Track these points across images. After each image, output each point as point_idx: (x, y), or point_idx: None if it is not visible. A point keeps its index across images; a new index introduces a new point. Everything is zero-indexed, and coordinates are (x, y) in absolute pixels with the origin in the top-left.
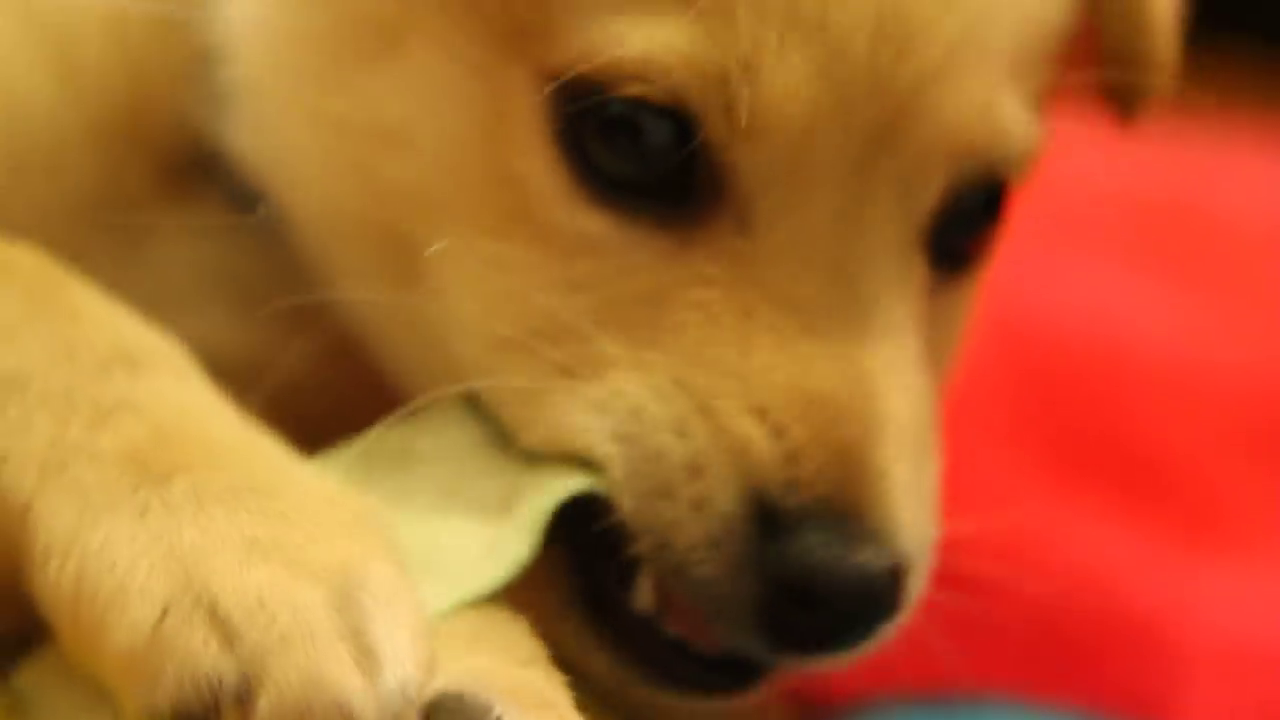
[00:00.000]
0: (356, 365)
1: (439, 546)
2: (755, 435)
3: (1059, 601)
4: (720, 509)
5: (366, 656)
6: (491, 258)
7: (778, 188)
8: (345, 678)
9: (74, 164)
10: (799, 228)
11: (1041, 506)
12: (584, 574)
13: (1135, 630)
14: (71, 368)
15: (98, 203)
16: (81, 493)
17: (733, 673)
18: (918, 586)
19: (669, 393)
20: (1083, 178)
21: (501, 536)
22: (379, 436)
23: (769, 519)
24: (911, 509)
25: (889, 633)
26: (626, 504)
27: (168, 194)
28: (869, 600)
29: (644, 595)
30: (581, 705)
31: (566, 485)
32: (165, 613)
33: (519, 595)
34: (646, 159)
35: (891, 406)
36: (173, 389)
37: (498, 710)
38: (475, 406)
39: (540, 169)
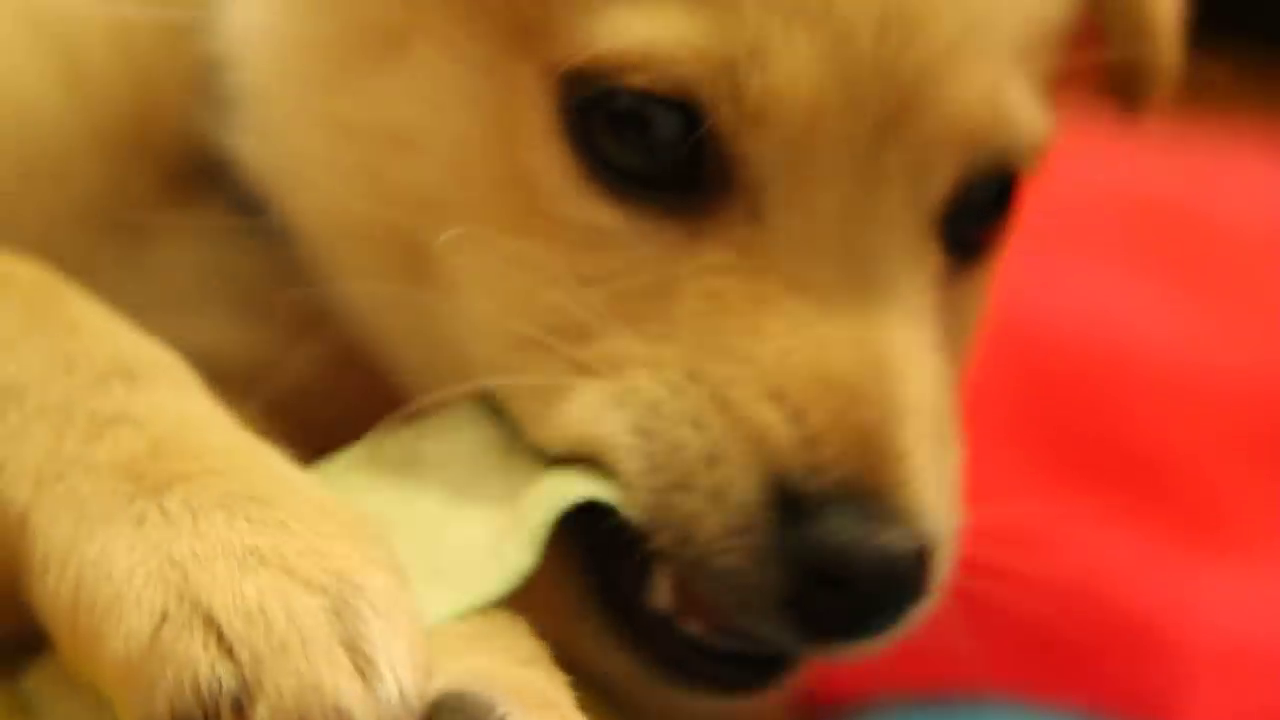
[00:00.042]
0: (362, 370)
1: (441, 554)
2: (773, 421)
3: (1060, 603)
4: (740, 497)
5: (364, 663)
6: (502, 255)
7: (787, 175)
8: (343, 684)
9: (80, 170)
10: (810, 214)
11: (1042, 508)
12: (600, 574)
13: (1136, 631)
14: (69, 380)
15: (103, 208)
16: (78, 503)
17: (752, 669)
18: (943, 572)
19: (684, 386)
20: (1084, 180)
21: (505, 545)
22: (386, 439)
23: (791, 505)
24: (935, 492)
25: (916, 619)
26: (644, 499)
27: (172, 199)
28: (895, 582)
29: (661, 594)
30: (583, 705)
31: (570, 493)
32: (163, 620)
33: (535, 597)
34: (655, 150)
35: (911, 390)
36: (171, 401)
37: (501, 709)
38: (483, 409)
39: (549, 163)
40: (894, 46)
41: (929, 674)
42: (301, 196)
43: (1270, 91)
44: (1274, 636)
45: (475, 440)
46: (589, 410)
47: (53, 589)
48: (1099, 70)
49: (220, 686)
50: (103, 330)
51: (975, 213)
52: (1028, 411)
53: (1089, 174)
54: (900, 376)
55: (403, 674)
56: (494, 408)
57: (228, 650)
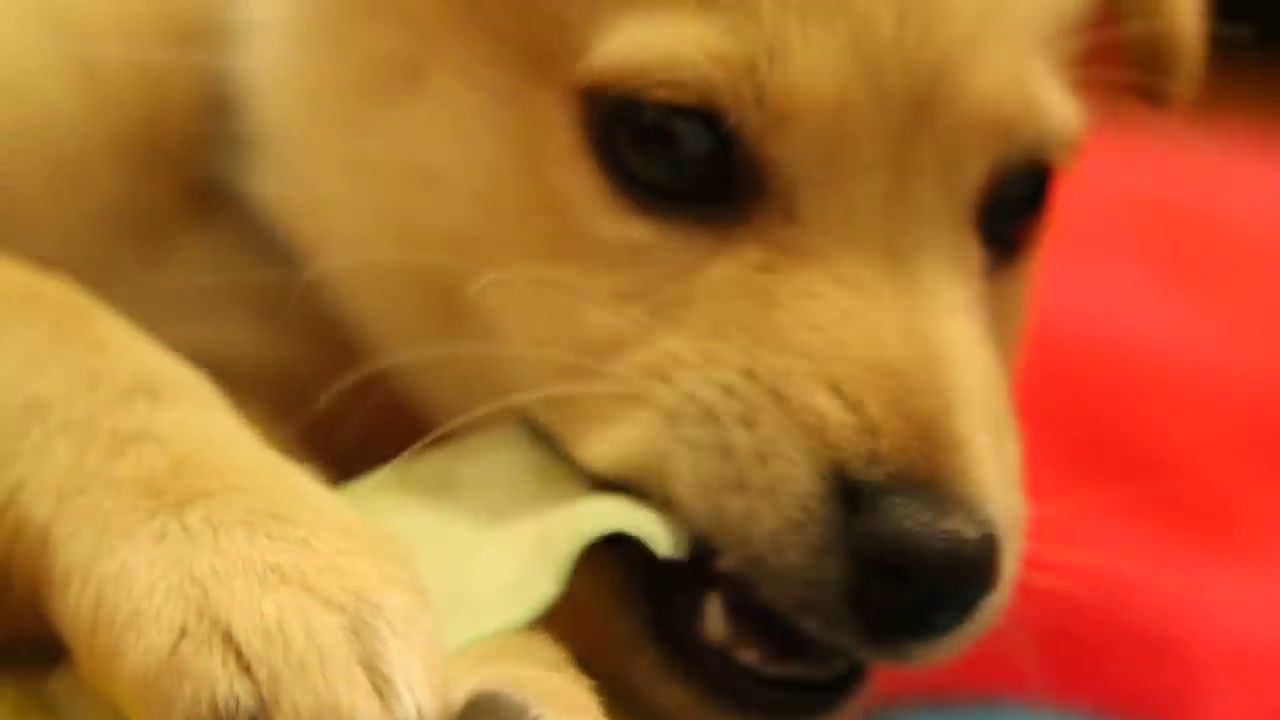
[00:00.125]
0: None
1: (466, 579)
2: (830, 410)
3: (1068, 604)
4: (796, 490)
5: (381, 683)
6: (538, 283)
7: (819, 173)
8: (360, 704)
9: (99, 176)
10: (846, 210)
11: (1049, 508)
12: (653, 604)
13: (1144, 632)
14: (93, 397)
15: (121, 214)
16: (99, 518)
17: (809, 695)
18: (1011, 565)
19: (738, 385)
20: (1091, 182)
21: (530, 574)
22: (421, 460)
23: (851, 496)
24: (996, 481)
25: (985, 618)
26: (699, 509)
27: (187, 207)
28: (960, 571)
29: (714, 624)
30: (608, 710)
31: (599, 525)
32: (182, 637)
33: (586, 631)
34: (683, 163)
35: (966, 379)
36: (195, 419)
37: (534, 711)
38: (522, 432)
39: (578, 184)
40: (915, 36)
41: (938, 675)
42: (325, 245)
43: (1277, 94)
44: None
45: (512, 463)
46: (642, 431)
47: (73, 604)
48: (1114, 73)
49: (238, 705)
50: (128, 348)
51: (1010, 208)
52: (1034, 412)
53: (1096, 175)
54: (953, 366)
55: (420, 694)
56: (533, 431)
57: (246, 668)
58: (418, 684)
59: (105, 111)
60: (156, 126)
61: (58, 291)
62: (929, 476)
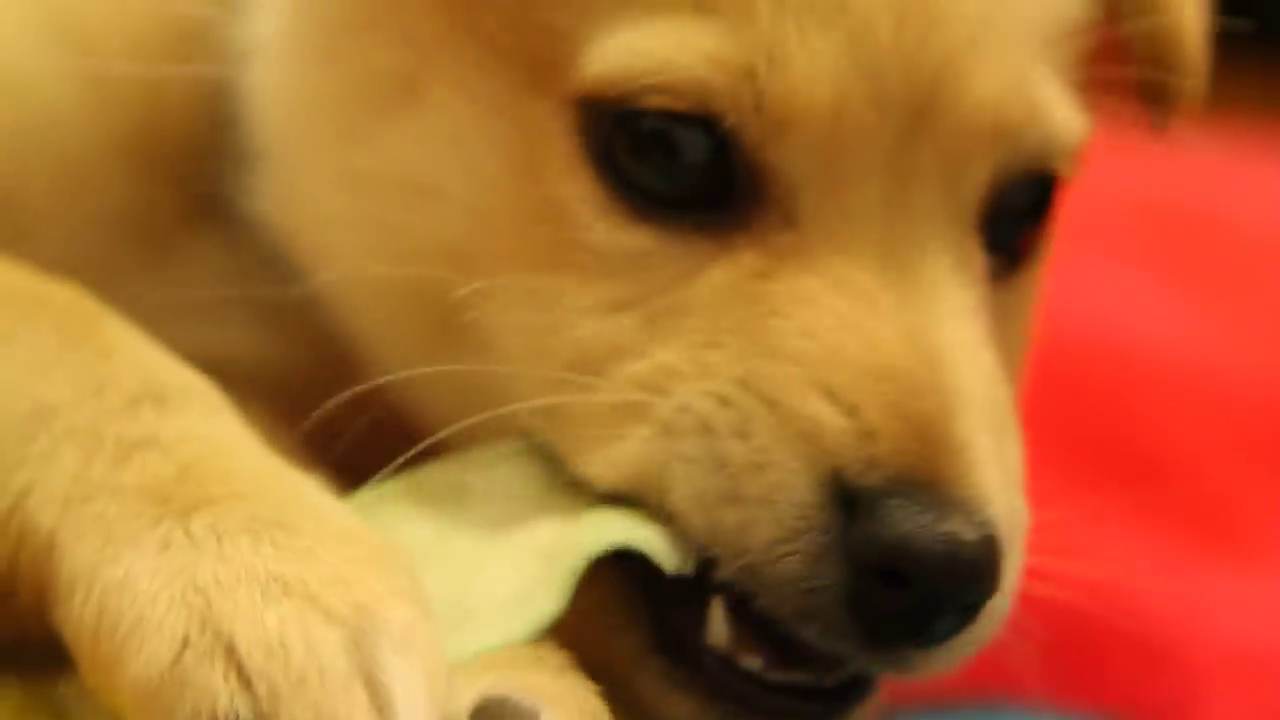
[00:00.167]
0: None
1: (470, 592)
2: (826, 416)
3: (1069, 609)
4: (793, 499)
5: (381, 699)
6: (534, 295)
7: (818, 178)
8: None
9: (103, 178)
10: (846, 215)
11: (1051, 511)
12: (656, 614)
13: (1145, 637)
14: (99, 403)
15: (126, 215)
16: (104, 526)
17: (817, 701)
18: (1015, 572)
19: (734, 395)
20: (1093, 182)
21: (534, 588)
22: (431, 470)
23: (848, 502)
24: (997, 484)
25: (990, 625)
26: (697, 522)
27: (191, 213)
28: (960, 574)
29: (718, 631)
30: (615, 716)
31: (604, 540)
32: (184, 648)
33: (590, 642)
34: (681, 170)
35: (966, 382)
36: (201, 426)
37: (545, 715)
38: (530, 446)
39: (576, 193)
40: (914, 39)
41: (940, 680)
42: (323, 260)
43: (1279, 93)
44: None
45: (520, 475)
46: (640, 447)
47: (76, 612)
48: (1117, 72)
49: (238, 717)
50: (136, 354)
51: (1014, 217)
52: (1037, 414)
53: (1097, 175)
54: (954, 369)
55: (420, 710)
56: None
57: (247, 682)
58: (417, 701)
59: (108, 112)
60: (158, 131)
61: (65, 296)
62: (928, 479)
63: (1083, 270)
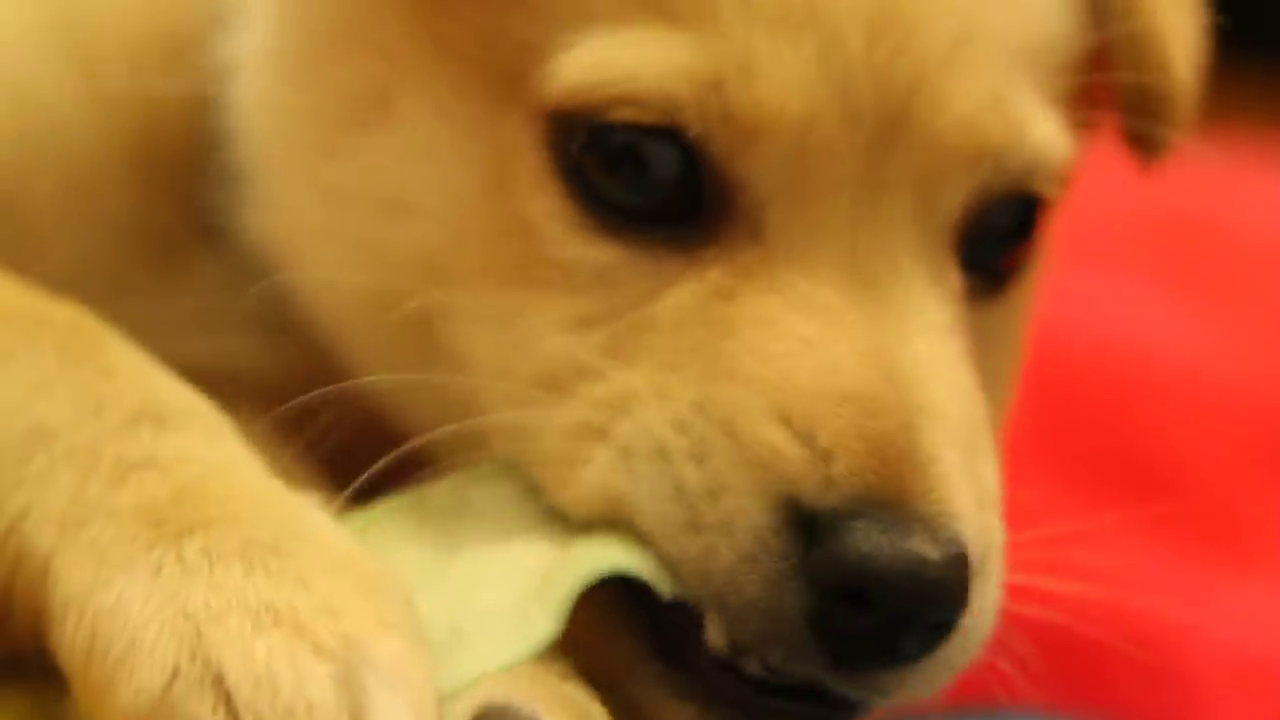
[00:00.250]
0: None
1: (469, 613)
2: (781, 442)
3: (1074, 615)
4: (748, 525)
5: None
6: (503, 310)
7: (786, 191)
8: None
9: (109, 188)
10: (812, 230)
11: (1056, 520)
12: (655, 622)
13: (1152, 646)
14: (98, 423)
15: (132, 226)
16: (99, 550)
17: (821, 704)
18: (993, 592)
19: (690, 419)
20: (1098, 193)
21: (531, 611)
22: (435, 485)
23: (807, 525)
24: (966, 500)
25: (968, 646)
26: (663, 548)
27: (195, 225)
28: (925, 593)
29: (715, 634)
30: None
31: (600, 564)
32: (174, 678)
33: (589, 648)
34: (652, 185)
35: (934, 398)
36: (200, 447)
37: None
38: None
39: (544, 207)
40: (887, 52)
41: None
42: (304, 272)
43: None
44: None
45: (521, 491)
46: (602, 472)
47: (69, 636)
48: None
49: None
50: (136, 374)
51: (998, 236)
52: (1042, 423)
53: (1104, 187)
54: (920, 384)
55: None
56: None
57: (234, 715)
58: None
59: (110, 119)
60: (157, 139)
61: (67, 315)
62: (891, 498)
63: (1084, 279)
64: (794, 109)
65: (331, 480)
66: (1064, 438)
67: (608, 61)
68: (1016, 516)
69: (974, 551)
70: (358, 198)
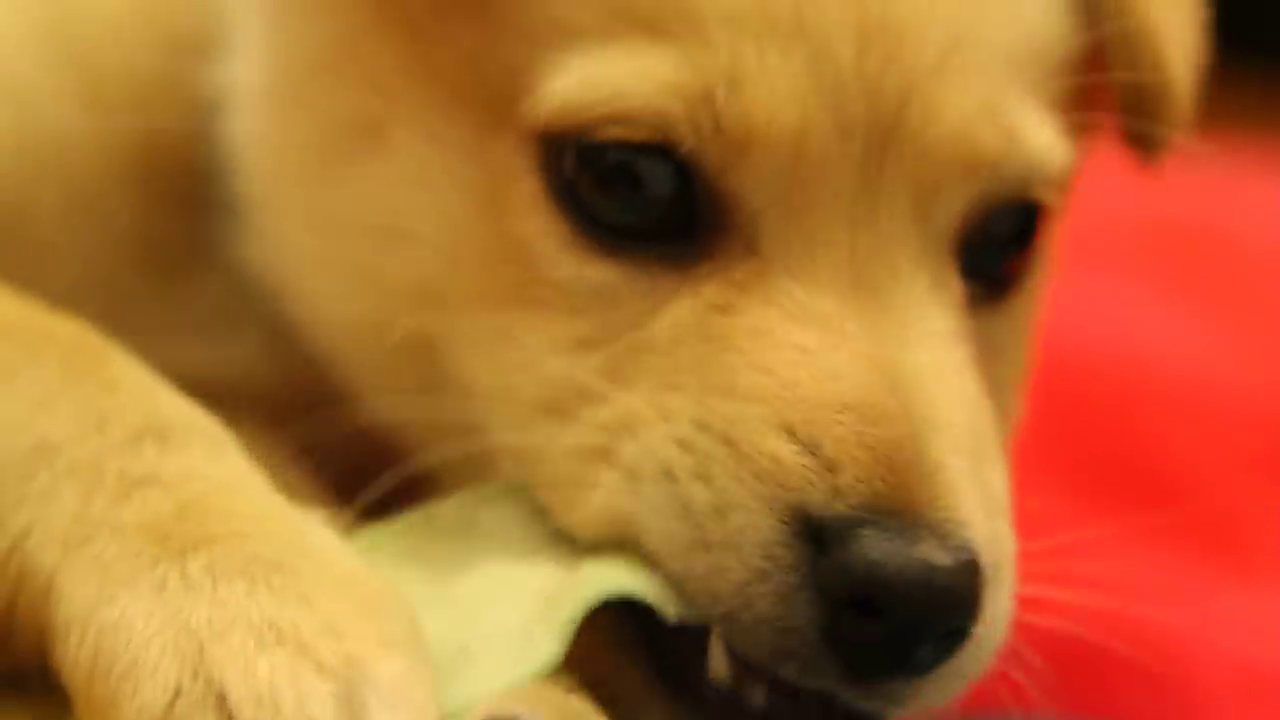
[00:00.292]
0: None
1: (474, 633)
2: (785, 453)
3: (1077, 623)
4: (757, 539)
5: None
6: (503, 333)
7: (780, 203)
8: None
9: (111, 199)
10: (809, 242)
11: (1058, 527)
12: (659, 652)
13: (1154, 653)
14: (101, 439)
15: (134, 237)
16: (102, 567)
17: None
18: (1005, 601)
19: (692, 438)
20: (1099, 199)
21: (535, 632)
22: (444, 503)
23: (815, 536)
24: (975, 507)
25: (980, 656)
26: (672, 569)
27: (194, 232)
28: (936, 600)
29: (718, 663)
30: None
31: (606, 587)
32: (176, 696)
33: (595, 673)
34: (646, 203)
35: (939, 406)
36: (203, 463)
37: None
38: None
39: (539, 229)
40: (877, 62)
41: None
42: (304, 304)
43: None
44: None
45: (528, 511)
46: (609, 496)
47: (73, 653)
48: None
49: None
50: (140, 390)
51: (998, 244)
52: (1045, 431)
53: (1107, 194)
54: (923, 392)
55: None
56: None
57: None
58: None
59: (109, 130)
60: (151, 149)
61: (70, 331)
62: (898, 505)
63: (1084, 285)
64: (785, 120)
65: (338, 494)
66: (1065, 444)
67: (595, 80)
68: (1019, 525)
69: (985, 559)
70: (352, 226)
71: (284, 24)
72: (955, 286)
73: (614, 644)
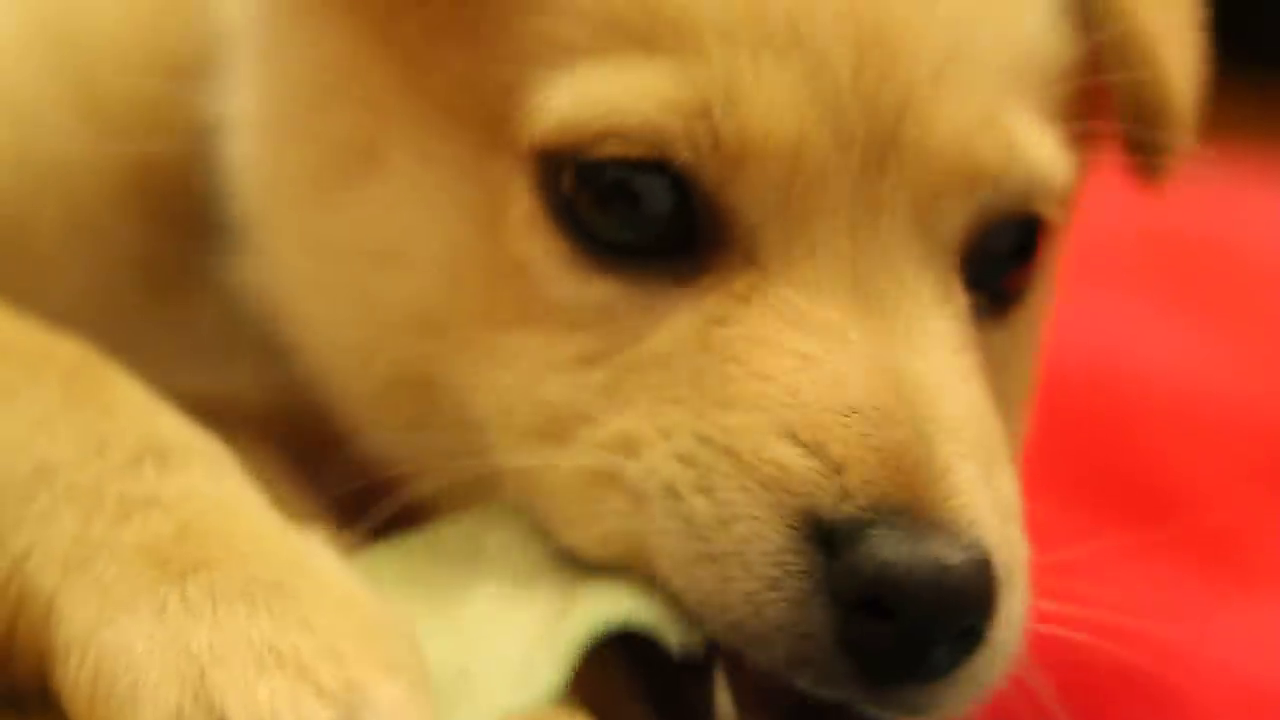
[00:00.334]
0: None
1: (476, 657)
2: (790, 458)
3: (1075, 637)
4: (765, 548)
5: None
6: (504, 355)
7: (779, 216)
8: None
9: (108, 212)
10: (809, 251)
11: (1057, 540)
12: (661, 688)
13: (1150, 673)
14: (101, 461)
15: (134, 258)
16: (102, 589)
17: None
18: (1020, 605)
19: (693, 453)
20: (1099, 212)
21: (537, 658)
22: (449, 526)
23: (825, 539)
24: (988, 509)
25: (998, 661)
26: (681, 586)
27: (195, 249)
28: (948, 599)
29: (723, 704)
30: None
31: (609, 617)
32: (176, 719)
33: (598, 703)
34: (645, 220)
35: (947, 410)
36: (204, 485)
37: None
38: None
39: (538, 248)
40: (874, 73)
41: None
42: (300, 328)
43: None
44: None
45: (533, 534)
46: (616, 518)
47: (73, 675)
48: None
49: None
50: (140, 411)
51: (1000, 258)
52: (1043, 444)
53: (1107, 206)
54: (930, 397)
55: None
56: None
57: None
58: None
59: (108, 148)
60: (147, 169)
61: (70, 351)
62: (906, 506)
63: (1085, 299)
64: (782, 132)
65: (339, 514)
66: (1065, 458)
67: (591, 97)
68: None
69: (998, 560)
70: (349, 250)
71: (279, 48)
72: (960, 297)
73: (615, 676)
